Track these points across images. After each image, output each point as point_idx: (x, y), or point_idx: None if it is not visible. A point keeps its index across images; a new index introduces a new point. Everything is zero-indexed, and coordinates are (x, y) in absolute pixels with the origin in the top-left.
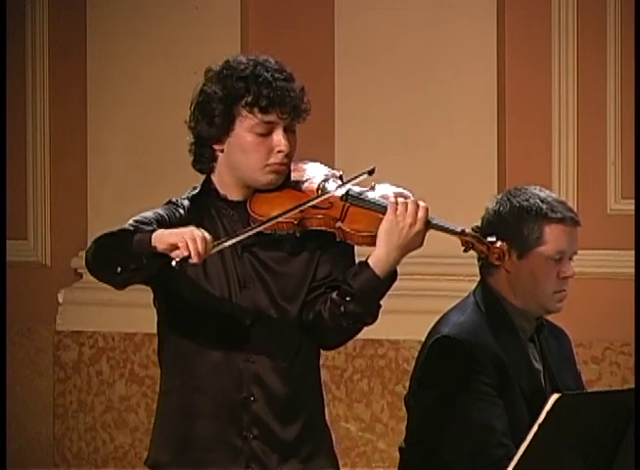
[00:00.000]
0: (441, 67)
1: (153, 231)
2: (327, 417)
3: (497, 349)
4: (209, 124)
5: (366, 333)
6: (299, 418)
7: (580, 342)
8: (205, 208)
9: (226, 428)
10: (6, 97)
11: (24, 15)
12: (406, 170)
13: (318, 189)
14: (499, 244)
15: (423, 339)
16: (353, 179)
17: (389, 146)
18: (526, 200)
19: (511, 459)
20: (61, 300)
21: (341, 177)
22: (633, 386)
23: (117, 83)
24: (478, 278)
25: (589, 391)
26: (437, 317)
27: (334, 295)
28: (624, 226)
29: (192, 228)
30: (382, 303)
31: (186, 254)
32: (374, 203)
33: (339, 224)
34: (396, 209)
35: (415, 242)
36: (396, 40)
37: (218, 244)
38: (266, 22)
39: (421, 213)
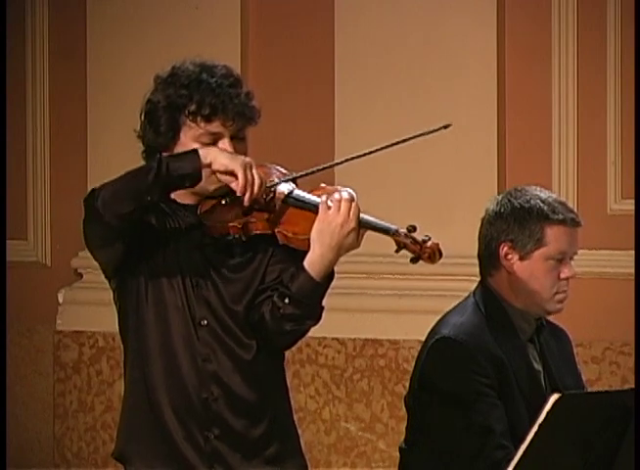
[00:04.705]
0: (441, 66)
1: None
2: (327, 417)
3: (497, 350)
4: (156, 134)
5: (366, 333)
6: (264, 418)
7: (580, 342)
8: (158, 205)
9: (190, 427)
10: (6, 97)
11: (24, 15)
12: (406, 171)
13: None
14: (430, 243)
15: (423, 339)
16: (417, 137)
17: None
18: (527, 201)
19: (510, 460)
20: (61, 300)
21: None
22: (633, 386)
23: (117, 83)
24: (478, 278)
25: (589, 391)
26: (437, 317)
27: (274, 297)
28: (624, 226)
29: (250, 161)
30: (375, 302)
31: (240, 194)
32: (306, 202)
33: (279, 228)
34: (327, 208)
35: (349, 241)
36: (396, 40)
37: (268, 187)
38: (266, 22)
39: (352, 212)
